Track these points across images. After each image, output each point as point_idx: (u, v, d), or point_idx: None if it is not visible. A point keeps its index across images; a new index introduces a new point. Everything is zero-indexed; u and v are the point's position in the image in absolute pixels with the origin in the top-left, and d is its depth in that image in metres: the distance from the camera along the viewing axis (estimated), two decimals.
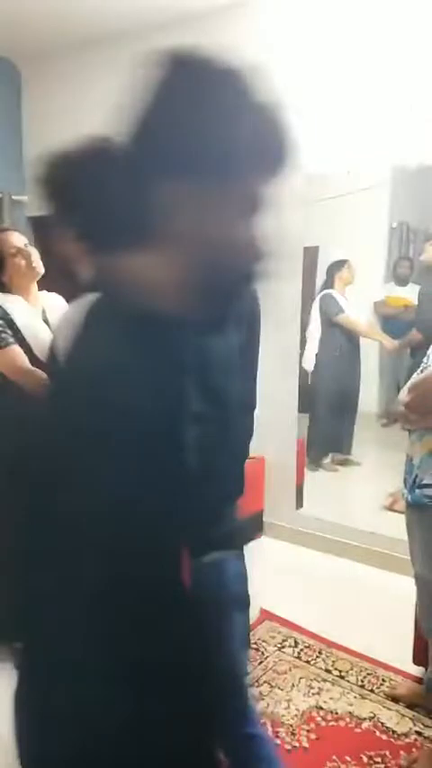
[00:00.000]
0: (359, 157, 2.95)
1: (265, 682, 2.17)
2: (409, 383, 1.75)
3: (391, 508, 3.43)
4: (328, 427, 3.90)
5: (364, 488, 3.75)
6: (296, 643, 2.40)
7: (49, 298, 2.31)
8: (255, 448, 3.27)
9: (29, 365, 2.06)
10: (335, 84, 2.89)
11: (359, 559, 3.11)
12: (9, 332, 2.08)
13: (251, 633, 2.32)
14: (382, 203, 3.84)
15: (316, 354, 3.75)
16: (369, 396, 4.05)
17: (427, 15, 2.65)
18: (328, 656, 2.31)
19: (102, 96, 3.91)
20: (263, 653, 2.34)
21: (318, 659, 2.30)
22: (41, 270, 2.20)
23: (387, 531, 3.10)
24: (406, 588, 2.58)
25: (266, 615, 2.57)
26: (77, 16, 3.34)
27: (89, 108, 3.79)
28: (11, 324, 2.10)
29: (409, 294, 3.90)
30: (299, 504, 3.43)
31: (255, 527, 3.36)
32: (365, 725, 1.98)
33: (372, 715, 2.02)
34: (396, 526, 3.18)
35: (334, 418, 3.89)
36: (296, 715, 2.01)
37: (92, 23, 3.44)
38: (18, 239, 2.19)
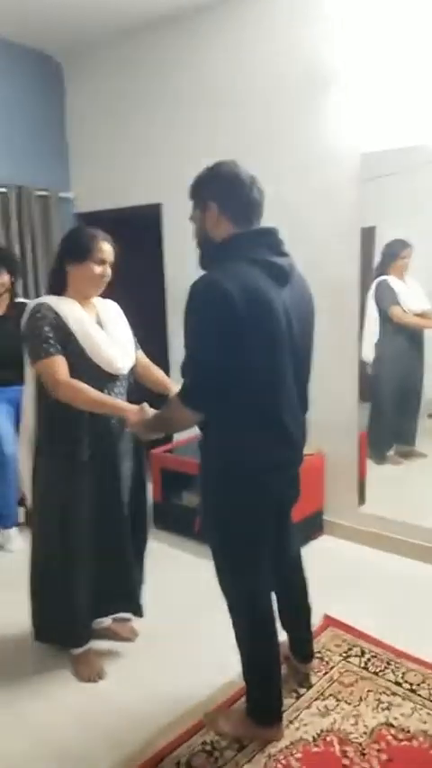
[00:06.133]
0: (416, 132, 2.76)
1: (330, 695, 2.07)
2: None
3: None
4: (391, 418, 3.72)
5: (430, 481, 3.56)
6: (362, 652, 2.28)
7: (102, 302, 2.28)
8: (313, 442, 3.17)
9: (66, 377, 2.02)
10: (388, 59, 2.70)
11: (427, 560, 2.95)
12: (53, 341, 2.03)
13: (315, 641, 2.22)
14: None
15: (375, 345, 3.57)
16: (430, 383, 3.85)
17: None
18: (397, 668, 2.18)
19: (143, 85, 3.85)
20: (327, 662, 2.23)
21: (386, 670, 2.18)
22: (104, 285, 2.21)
23: None
24: None
25: (330, 622, 2.46)
26: (114, 6, 3.25)
27: (131, 98, 3.73)
28: (62, 328, 2.06)
29: None
30: (361, 500, 3.28)
31: (315, 526, 3.24)
32: None
33: None
34: None
35: (397, 409, 3.70)
36: (365, 732, 1.90)
37: (129, 12, 3.35)
38: (110, 253, 2.16)
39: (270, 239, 1.74)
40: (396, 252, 3.60)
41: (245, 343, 1.61)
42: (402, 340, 3.67)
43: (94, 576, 2.23)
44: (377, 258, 3.58)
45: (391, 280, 3.58)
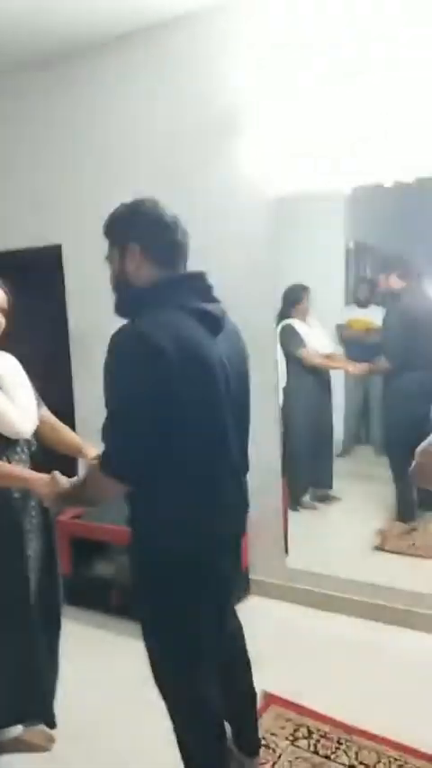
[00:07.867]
0: (316, 177, 2.74)
1: None
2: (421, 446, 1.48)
3: (382, 548, 3.19)
4: (305, 462, 3.64)
5: (351, 526, 3.49)
6: (310, 732, 2.08)
7: None
8: None
9: None
10: (300, 102, 2.68)
11: (363, 615, 2.82)
12: None
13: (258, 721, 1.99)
14: (337, 224, 3.66)
15: (283, 389, 3.50)
16: (339, 424, 3.84)
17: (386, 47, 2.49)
18: (349, 747, 2.00)
19: (41, 128, 3.55)
20: (274, 750, 2.01)
21: (338, 751, 1.99)
22: None
23: (385, 580, 2.84)
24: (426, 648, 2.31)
25: (271, 700, 2.25)
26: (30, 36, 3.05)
27: (22, 141, 3.49)
28: None
29: (372, 316, 3.72)
30: (285, 552, 3.12)
31: (241, 587, 3.03)
32: None
33: None
34: (394, 571, 2.94)
35: (311, 452, 3.63)
36: None
37: (21, 50, 3.16)
38: (3, 299, 1.92)
39: (199, 284, 1.57)
40: (298, 296, 3.57)
41: (179, 402, 1.40)
42: (310, 382, 3.63)
43: None
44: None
45: (295, 323, 3.55)
